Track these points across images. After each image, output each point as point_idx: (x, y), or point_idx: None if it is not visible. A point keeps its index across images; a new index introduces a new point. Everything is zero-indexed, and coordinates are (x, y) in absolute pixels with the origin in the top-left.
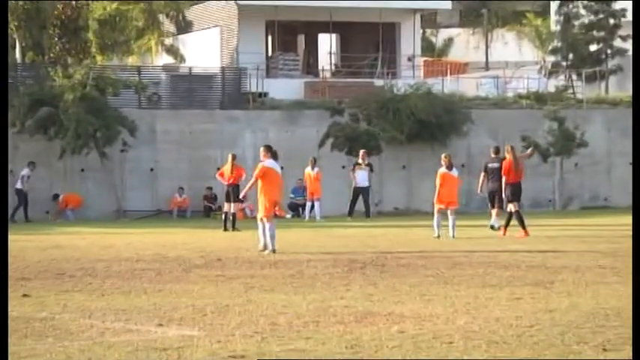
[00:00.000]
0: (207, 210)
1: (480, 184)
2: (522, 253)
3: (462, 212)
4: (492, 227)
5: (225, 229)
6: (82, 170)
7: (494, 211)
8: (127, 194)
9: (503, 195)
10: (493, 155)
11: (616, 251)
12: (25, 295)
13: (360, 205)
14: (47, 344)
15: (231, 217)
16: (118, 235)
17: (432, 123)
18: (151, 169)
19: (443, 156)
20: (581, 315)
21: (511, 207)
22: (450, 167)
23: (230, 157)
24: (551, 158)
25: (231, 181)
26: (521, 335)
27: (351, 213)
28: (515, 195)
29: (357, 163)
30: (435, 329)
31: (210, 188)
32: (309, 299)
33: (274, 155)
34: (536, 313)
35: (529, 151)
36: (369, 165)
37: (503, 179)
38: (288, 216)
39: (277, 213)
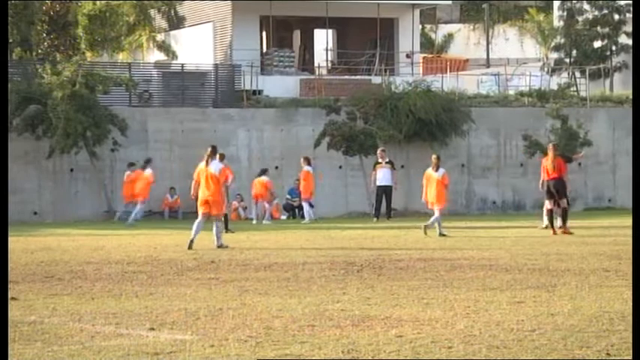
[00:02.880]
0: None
1: (541, 182)
2: (524, 256)
3: (462, 214)
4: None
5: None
6: (72, 170)
7: (558, 210)
8: (118, 194)
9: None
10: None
11: (620, 254)
12: (12, 299)
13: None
14: (36, 349)
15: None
16: (108, 236)
17: (432, 122)
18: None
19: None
20: (585, 319)
21: (547, 204)
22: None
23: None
24: None
25: None
26: (522, 340)
27: (377, 215)
28: (556, 192)
29: (378, 162)
30: (434, 333)
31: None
32: (304, 303)
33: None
34: (537, 317)
35: (581, 154)
36: (390, 163)
37: (543, 177)
38: (284, 217)
39: (272, 214)
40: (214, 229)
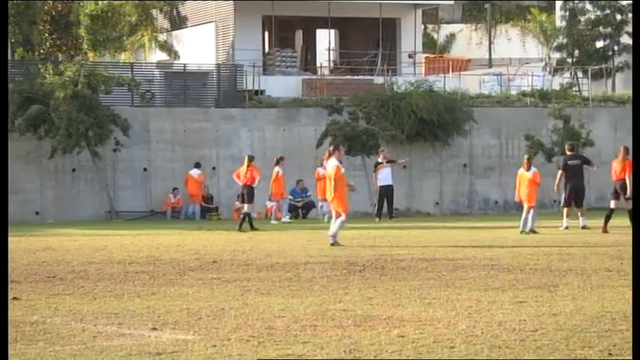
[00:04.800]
0: (202, 211)
1: (557, 182)
2: (526, 256)
3: (465, 213)
4: (585, 227)
5: (253, 228)
6: (74, 170)
7: (578, 211)
8: (120, 195)
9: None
10: (570, 152)
11: (622, 254)
12: (15, 299)
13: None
14: (38, 348)
15: (247, 218)
16: (111, 236)
17: (434, 122)
18: (144, 169)
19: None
20: (587, 319)
21: (613, 204)
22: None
23: (246, 158)
24: (556, 158)
25: (245, 182)
26: (524, 340)
27: (379, 215)
28: (622, 193)
29: (379, 162)
30: (436, 333)
31: (205, 187)
32: (306, 303)
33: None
34: (540, 317)
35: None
36: (390, 161)
37: (614, 176)
38: (286, 218)
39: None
40: (335, 224)
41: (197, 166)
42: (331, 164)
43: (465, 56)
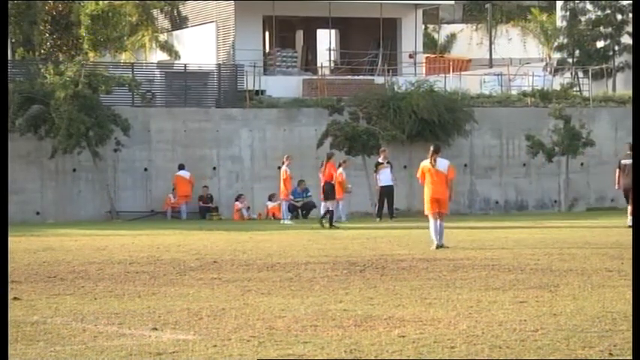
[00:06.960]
0: (202, 211)
1: (617, 180)
2: (526, 256)
3: (465, 214)
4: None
5: (332, 226)
6: (74, 170)
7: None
8: (120, 195)
9: None
10: (629, 152)
11: (623, 254)
12: (15, 299)
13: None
14: (38, 349)
15: (328, 215)
16: (111, 236)
17: (434, 122)
18: (145, 169)
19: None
20: (587, 319)
21: None
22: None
23: (326, 155)
24: (557, 158)
25: (325, 179)
26: (525, 340)
27: (380, 215)
28: None
29: (379, 163)
30: (437, 333)
31: (206, 187)
32: (307, 303)
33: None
34: (540, 317)
35: None
36: (390, 163)
37: None
38: (287, 221)
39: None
40: (438, 227)
41: (182, 167)
42: (445, 164)
43: (466, 56)
